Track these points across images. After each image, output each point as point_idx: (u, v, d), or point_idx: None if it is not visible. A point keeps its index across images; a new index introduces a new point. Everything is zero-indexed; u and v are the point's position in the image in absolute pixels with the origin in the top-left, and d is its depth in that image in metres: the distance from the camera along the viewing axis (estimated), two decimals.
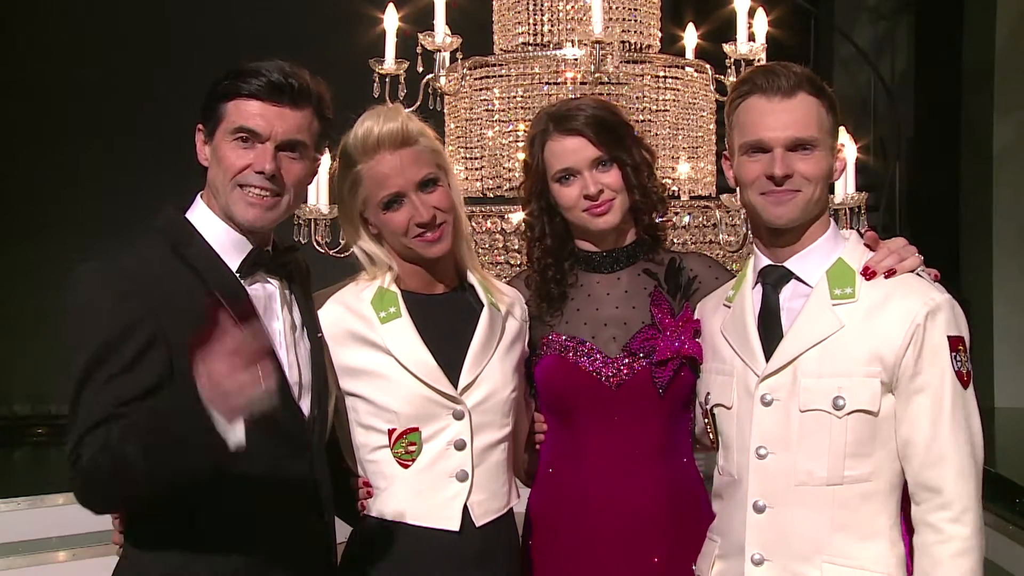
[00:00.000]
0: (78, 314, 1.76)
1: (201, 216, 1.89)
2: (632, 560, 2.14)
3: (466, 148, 3.27)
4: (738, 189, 2.06)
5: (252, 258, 1.89)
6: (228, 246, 1.88)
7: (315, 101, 1.90)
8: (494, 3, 3.43)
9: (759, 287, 2.00)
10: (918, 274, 1.92)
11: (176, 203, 1.93)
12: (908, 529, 1.88)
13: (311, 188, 3.23)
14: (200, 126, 1.91)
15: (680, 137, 3.27)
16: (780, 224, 1.95)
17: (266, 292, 1.92)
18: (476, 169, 3.24)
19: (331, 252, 3.20)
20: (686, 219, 3.10)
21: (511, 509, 2.14)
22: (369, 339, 2.06)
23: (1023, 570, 4.25)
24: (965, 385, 1.85)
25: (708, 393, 2.08)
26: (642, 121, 3.14)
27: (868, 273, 1.91)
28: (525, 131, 3.11)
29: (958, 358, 1.84)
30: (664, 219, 2.34)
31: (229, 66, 1.89)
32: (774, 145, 1.92)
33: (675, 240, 3.03)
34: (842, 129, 3.27)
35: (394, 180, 2.04)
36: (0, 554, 4.26)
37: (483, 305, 2.13)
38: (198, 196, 1.93)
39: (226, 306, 1.79)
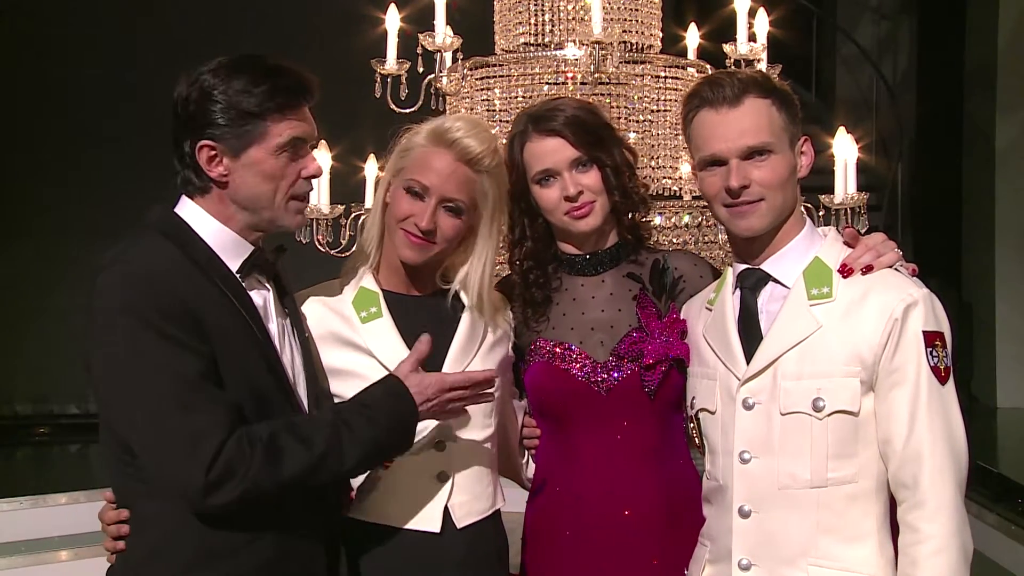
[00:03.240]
0: (114, 323, 1.70)
1: (194, 216, 1.85)
2: (630, 563, 2.13)
3: None
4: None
5: (252, 260, 1.88)
6: (227, 247, 1.85)
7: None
8: (495, 3, 3.43)
9: (738, 291, 1.99)
10: (896, 269, 1.91)
11: (161, 203, 1.89)
12: (897, 531, 1.86)
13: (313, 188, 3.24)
14: (212, 143, 1.81)
15: (681, 137, 3.25)
16: (749, 235, 1.94)
17: (261, 295, 1.91)
18: None
19: (332, 252, 3.21)
20: (686, 219, 3.09)
21: (497, 511, 2.13)
22: (350, 340, 2.05)
23: None
24: (943, 381, 1.82)
25: (693, 398, 2.07)
26: (642, 121, 3.14)
27: (845, 271, 1.90)
28: None
29: (935, 353, 1.82)
30: (647, 219, 2.32)
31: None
32: (728, 156, 1.90)
33: (675, 240, 3.03)
34: (842, 129, 3.31)
35: (433, 177, 2.04)
36: (2, 554, 4.27)
37: (464, 307, 2.12)
38: (183, 197, 1.88)
39: (237, 304, 1.80)
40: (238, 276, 1.85)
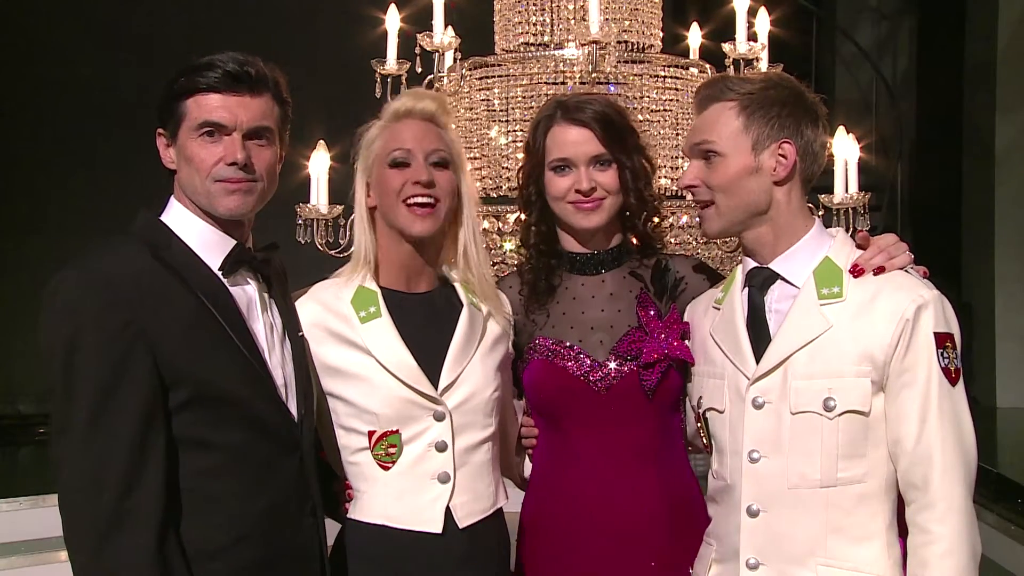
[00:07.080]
0: (58, 326, 1.74)
1: (177, 217, 1.87)
2: (628, 564, 2.12)
3: (466, 148, 3.26)
4: None
5: (235, 256, 1.87)
6: (209, 245, 1.85)
7: (272, 86, 1.90)
8: (495, 3, 3.44)
9: (747, 289, 1.99)
10: (907, 271, 1.91)
11: (150, 207, 1.90)
12: (904, 531, 1.86)
13: (312, 188, 3.24)
14: (160, 130, 1.88)
15: (681, 137, 3.26)
16: (709, 235, 2.06)
17: (246, 294, 1.90)
18: (476, 169, 3.23)
19: (332, 252, 3.20)
20: (685, 219, 3.09)
21: (500, 510, 2.12)
22: (349, 339, 2.04)
23: None
24: (953, 382, 1.83)
25: (700, 397, 2.06)
26: (642, 121, 3.14)
27: (856, 271, 1.90)
28: (524, 132, 3.12)
29: (945, 355, 1.82)
30: (657, 227, 2.30)
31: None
32: (692, 157, 2.02)
33: (674, 240, 3.03)
34: (842, 128, 3.31)
35: (410, 141, 2.07)
36: (2, 553, 4.27)
37: (463, 304, 2.12)
38: (171, 199, 1.90)
39: (210, 307, 1.79)
40: (220, 274, 1.85)
